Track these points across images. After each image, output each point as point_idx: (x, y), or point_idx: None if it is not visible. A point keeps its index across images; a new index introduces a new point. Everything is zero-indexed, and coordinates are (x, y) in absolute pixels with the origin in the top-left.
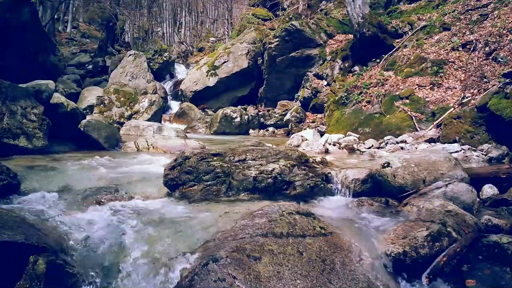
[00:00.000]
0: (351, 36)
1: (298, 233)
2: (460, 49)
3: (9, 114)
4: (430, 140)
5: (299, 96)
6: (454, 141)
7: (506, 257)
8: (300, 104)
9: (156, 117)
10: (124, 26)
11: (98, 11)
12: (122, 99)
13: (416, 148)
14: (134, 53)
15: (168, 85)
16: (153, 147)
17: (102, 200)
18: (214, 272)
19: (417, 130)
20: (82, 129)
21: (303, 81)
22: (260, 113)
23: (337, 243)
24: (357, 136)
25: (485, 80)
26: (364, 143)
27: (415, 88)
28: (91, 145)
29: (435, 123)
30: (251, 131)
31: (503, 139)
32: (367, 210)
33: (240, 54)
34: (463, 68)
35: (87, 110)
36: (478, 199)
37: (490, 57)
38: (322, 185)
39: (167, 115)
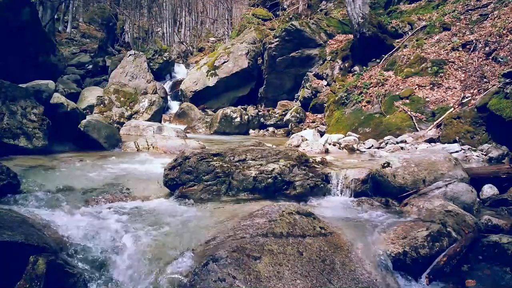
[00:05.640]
0: (351, 36)
1: (298, 233)
2: (460, 49)
3: (9, 114)
4: (430, 140)
5: (299, 96)
6: (454, 141)
7: (506, 257)
8: (300, 104)
9: (156, 117)
10: (124, 26)
11: (98, 11)
12: (122, 99)
13: (416, 148)
14: (134, 53)
15: (168, 85)
16: (153, 147)
17: (102, 200)
18: (214, 272)
19: (417, 130)
20: (82, 129)
21: (303, 81)
22: (260, 113)
23: (337, 243)
24: (357, 136)
25: (485, 80)
26: (364, 143)
27: (415, 88)
28: (91, 145)
29: (435, 123)
30: (251, 131)
31: (503, 139)
32: (367, 210)
33: (240, 54)
34: (463, 68)
35: (87, 110)
36: (478, 199)
37: (490, 57)
38: (322, 185)
39: (167, 115)
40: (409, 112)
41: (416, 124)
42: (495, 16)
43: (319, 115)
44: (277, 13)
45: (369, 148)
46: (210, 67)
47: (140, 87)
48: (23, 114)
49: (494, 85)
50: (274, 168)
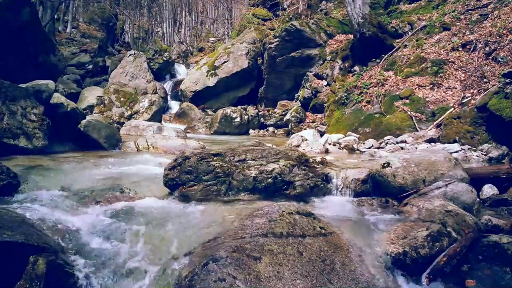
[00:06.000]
0: (351, 36)
1: (298, 233)
2: (460, 49)
3: (9, 114)
4: (430, 140)
5: (299, 96)
6: (454, 141)
7: (506, 257)
8: (300, 104)
9: (156, 117)
10: (124, 26)
11: (98, 11)
12: (122, 99)
13: (416, 148)
14: (134, 53)
15: (168, 85)
16: (153, 147)
17: (102, 200)
18: (214, 272)
19: (417, 130)
20: (82, 129)
21: (303, 81)
22: (260, 113)
23: (337, 243)
24: (357, 136)
25: (485, 80)
26: (364, 143)
27: (415, 88)
28: (91, 145)
29: (435, 123)
30: (251, 131)
31: (503, 139)
32: (367, 210)
33: (240, 54)
34: (463, 68)
35: (87, 110)
36: (478, 199)
37: (490, 57)
38: (322, 185)
39: (167, 115)
40: (409, 112)
41: (416, 124)
42: (495, 16)
43: (319, 115)
44: (277, 13)
45: (369, 148)
46: (210, 67)
47: (140, 87)
48: (23, 114)
49: (494, 85)
50: (274, 168)
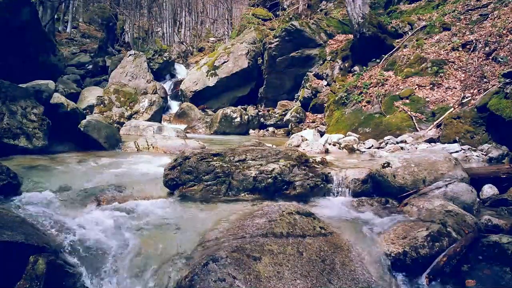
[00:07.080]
0: (351, 36)
1: (298, 233)
2: (460, 49)
3: (9, 114)
4: (430, 140)
5: (299, 96)
6: (454, 141)
7: (506, 257)
8: (300, 104)
9: (156, 117)
10: (124, 26)
11: (98, 11)
12: (122, 99)
13: (416, 148)
14: (134, 53)
15: (168, 85)
16: (153, 147)
17: (102, 200)
18: (214, 272)
19: (417, 130)
20: (82, 129)
21: (303, 81)
22: (260, 113)
23: (337, 243)
24: (357, 136)
25: (485, 80)
26: (364, 143)
27: (415, 88)
28: (91, 145)
29: (435, 123)
30: (251, 131)
31: (503, 139)
32: (367, 210)
33: (240, 54)
34: (463, 68)
35: (87, 110)
36: (478, 199)
37: (490, 57)
38: (322, 185)
39: (167, 115)
40: (409, 112)
41: (416, 124)
42: (495, 16)
43: (319, 115)
44: (277, 13)
45: (369, 148)
46: (210, 67)
47: (140, 87)
48: (23, 114)
49: (494, 85)
50: (274, 168)
